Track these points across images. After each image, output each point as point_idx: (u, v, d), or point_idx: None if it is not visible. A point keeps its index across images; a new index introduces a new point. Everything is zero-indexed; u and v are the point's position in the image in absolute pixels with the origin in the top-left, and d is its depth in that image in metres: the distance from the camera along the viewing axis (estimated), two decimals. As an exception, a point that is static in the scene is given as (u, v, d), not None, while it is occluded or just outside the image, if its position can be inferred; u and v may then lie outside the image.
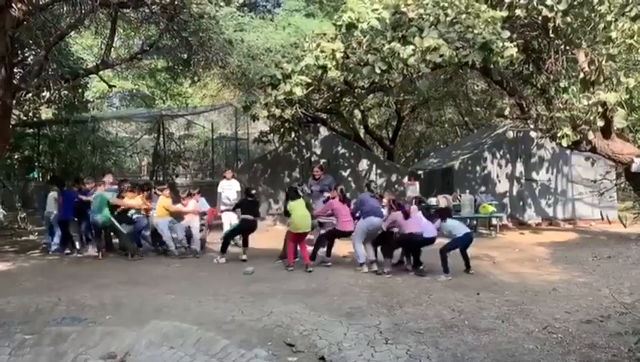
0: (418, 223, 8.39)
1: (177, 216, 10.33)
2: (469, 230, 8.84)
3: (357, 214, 9.06)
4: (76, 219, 10.45)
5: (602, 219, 14.63)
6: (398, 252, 8.90)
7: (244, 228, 9.73)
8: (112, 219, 9.79)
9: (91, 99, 20.93)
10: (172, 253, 9.97)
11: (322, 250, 9.35)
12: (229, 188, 11.23)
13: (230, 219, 10.83)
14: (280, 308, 6.08)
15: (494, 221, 13.00)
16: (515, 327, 5.39)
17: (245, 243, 9.67)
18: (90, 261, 9.72)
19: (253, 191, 10.28)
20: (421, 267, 8.32)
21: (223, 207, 11.15)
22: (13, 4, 8.51)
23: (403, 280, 7.81)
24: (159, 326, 5.03)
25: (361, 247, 8.67)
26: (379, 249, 8.83)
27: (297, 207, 8.91)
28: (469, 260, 8.38)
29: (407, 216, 8.40)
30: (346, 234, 9.08)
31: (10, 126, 11.72)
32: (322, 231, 9.64)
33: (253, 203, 9.91)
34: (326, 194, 9.98)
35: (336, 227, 9.11)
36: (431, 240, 8.40)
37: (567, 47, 10.43)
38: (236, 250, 9.92)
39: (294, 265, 8.75)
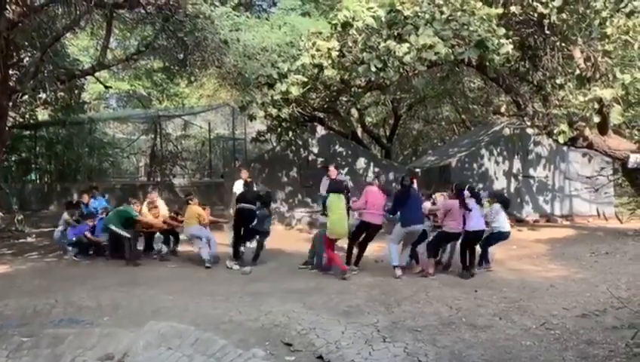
0: (470, 218, 7.87)
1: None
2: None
3: (390, 212, 8.49)
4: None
5: (599, 215, 14.65)
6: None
7: (243, 219, 9.00)
8: (112, 227, 9.63)
9: (88, 101, 20.97)
10: (207, 262, 9.16)
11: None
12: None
13: None
14: (278, 308, 6.08)
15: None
16: (512, 324, 5.40)
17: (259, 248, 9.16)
18: (88, 263, 9.69)
19: (249, 179, 9.83)
20: (473, 270, 7.90)
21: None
22: (7, 7, 8.50)
23: (401, 279, 7.80)
24: (157, 327, 5.02)
25: (396, 249, 8.08)
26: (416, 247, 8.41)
27: (337, 204, 8.01)
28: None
29: (465, 206, 7.83)
30: (375, 229, 8.38)
31: (7, 128, 11.72)
32: None
33: (248, 191, 9.30)
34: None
35: (362, 218, 8.31)
36: (478, 234, 8.01)
37: (563, 44, 10.44)
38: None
39: (348, 270, 7.96)
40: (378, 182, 8.84)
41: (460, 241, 8.18)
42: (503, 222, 8.33)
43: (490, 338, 4.97)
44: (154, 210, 10.36)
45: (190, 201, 9.82)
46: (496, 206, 8.34)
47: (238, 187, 10.96)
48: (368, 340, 4.94)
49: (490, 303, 6.25)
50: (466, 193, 8.10)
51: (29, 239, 12.69)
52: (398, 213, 8.23)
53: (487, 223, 8.20)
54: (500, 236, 8.38)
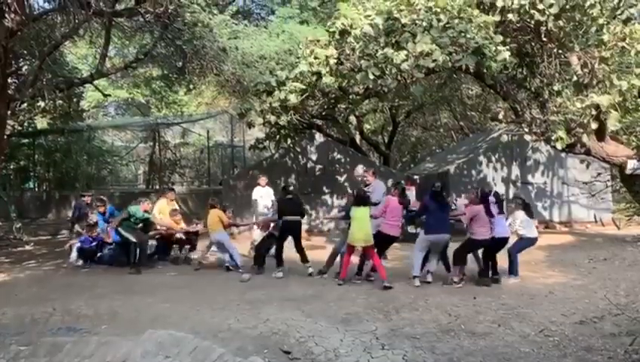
0: (495, 225, 7.76)
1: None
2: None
3: (416, 215, 8.44)
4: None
5: (595, 221, 14.66)
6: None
7: (289, 230, 8.89)
8: (120, 230, 9.58)
9: (86, 109, 20.96)
10: (242, 269, 9.04)
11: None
12: (267, 196, 10.65)
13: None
14: (276, 316, 6.07)
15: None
16: (511, 331, 5.40)
17: (301, 252, 8.90)
18: (87, 271, 9.67)
19: (291, 188, 9.58)
20: (497, 276, 7.81)
21: (261, 218, 10.45)
22: (6, 15, 8.52)
23: (400, 286, 7.79)
24: (155, 336, 4.99)
25: (419, 259, 7.98)
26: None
27: (360, 215, 7.96)
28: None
29: (489, 212, 7.70)
30: (392, 240, 8.37)
31: (6, 136, 11.72)
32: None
33: (293, 201, 9.07)
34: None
35: (380, 229, 8.17)
36: (503, 241, 7.88)
37: (560, 51, 10.47)
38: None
39: (345, 280, 7.99)
40: (396, 191, 8.65)
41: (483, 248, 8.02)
42: (528, 229, 8.13)
43: (489, 345, 4.96)
44: (176, 217, 10.37)
45: (215, 206, 9.60)
46: (520, 212, 8.17)
47: (261, 193, 10.82)
48: (367, 348, 4.94)
49: (488, 310, 6.25)
50: (491, 199, 7.98)
51: (27, 247, 12.66)
52: (423, 218, 8.18)
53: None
54: (526, 243, 8.19)
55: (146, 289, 7.85)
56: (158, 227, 10.35)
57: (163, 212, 10.46)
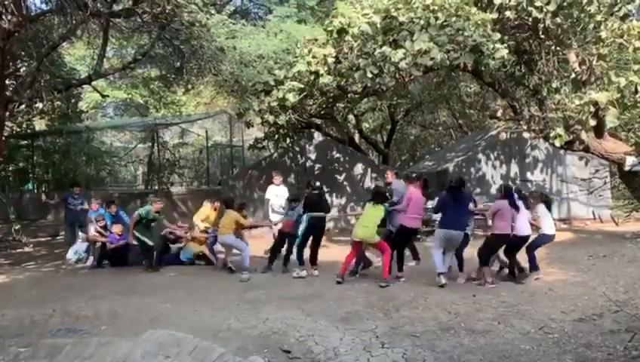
0: (516, 222, 7.60)
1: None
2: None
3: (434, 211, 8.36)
4: None
5: (594, 218, 14.66)
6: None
7: (316, 227, 8.72)
8: (137, 234, 9.57)
9: (85, 110, 20.95)
10: (248, 269, 8.80)
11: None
12: (283, 195, 10.47)
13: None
14: (276, 315, 6.07)
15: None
16: (511, 328, 5.40)
17: (315, 253, 8.80)
18: (87, 272, 9.67)
19: (317, 183, 9.36)
20: (524, 273, 7.70)
21: (275, 217, 10.27)
22: (3, 16, 8.52)
23: (399, 284, 7.79)
24: (155, 336, 4.98)
25: (440, 256, 7.75)
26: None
27: (369, 213, 7.98)
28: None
29: (515, 207, 7.53)
30: (414, 233, 8.39)
31: (4, 138, 11.72)
32: None
33: (320, 196, 8.94)
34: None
35: (401, 222, 8.13)
36: (524, 239, 7.77)
37: (558, 48, 10.49)
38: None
39: (344, 278, 7.95)
40: (418, 183, 8.61)
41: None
42: (547, 225, 8.00)
43: (489, 343, 4.96)
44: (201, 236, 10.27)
45: (231, 206, 9.36)
46: (541, 207, 8.02)
47: (276, 193, 10.70)
48: (367, 346, 4.93)
49: (488, 308, 6.25)
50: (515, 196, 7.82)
51: (26, 249, 12.66)
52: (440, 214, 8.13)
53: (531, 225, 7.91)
54: (544, 239, 8.06)
55: (146, 290, 7.85)
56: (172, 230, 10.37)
57: (206, 219, 10.42)
